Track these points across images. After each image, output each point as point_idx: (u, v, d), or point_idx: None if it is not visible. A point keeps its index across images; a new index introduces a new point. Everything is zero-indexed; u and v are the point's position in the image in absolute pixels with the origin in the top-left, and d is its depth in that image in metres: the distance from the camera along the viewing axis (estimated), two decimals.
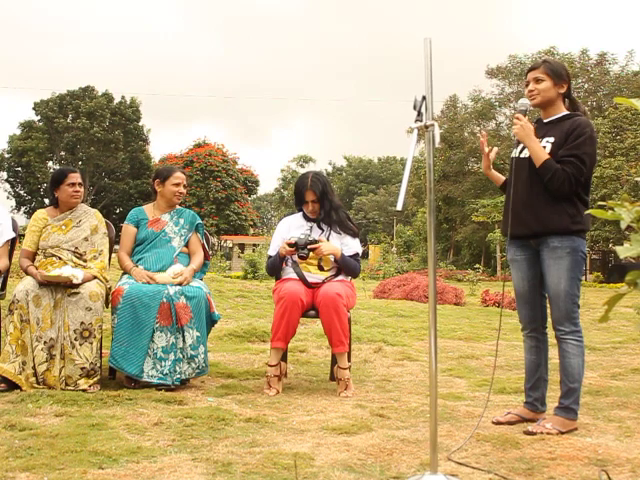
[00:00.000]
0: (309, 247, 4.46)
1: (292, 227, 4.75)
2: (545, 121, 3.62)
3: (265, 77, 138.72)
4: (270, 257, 4.73)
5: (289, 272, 4.61)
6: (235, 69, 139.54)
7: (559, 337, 3.50)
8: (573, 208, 3.44)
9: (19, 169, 48.45)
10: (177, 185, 4.77)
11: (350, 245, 4.66)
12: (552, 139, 3.51)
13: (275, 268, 4.69)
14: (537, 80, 3.55)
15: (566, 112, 3.55)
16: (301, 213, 4.79)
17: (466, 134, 36.89)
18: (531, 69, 3.62)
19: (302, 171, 38.82)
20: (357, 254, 4.69)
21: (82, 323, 4.21)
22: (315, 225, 4.70)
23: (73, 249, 4.55)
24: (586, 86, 32.82)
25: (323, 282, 4.49)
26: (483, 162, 3.86)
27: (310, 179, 4.67)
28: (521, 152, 3.61)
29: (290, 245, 4.47)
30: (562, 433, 3.33)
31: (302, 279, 4.50)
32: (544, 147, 3.50)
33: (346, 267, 4.62)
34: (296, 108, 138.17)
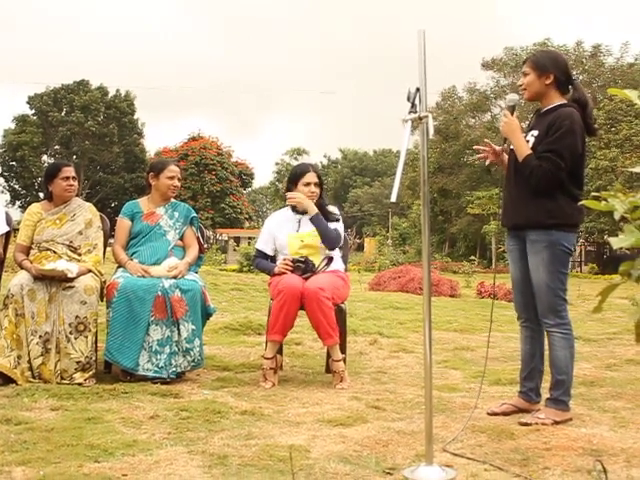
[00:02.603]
0: (309, 274, 4.46)
1: (281, 221, 4.75)
2: (540, 112, 3.63)
3: (260, 69, 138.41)
4: (259, 252, 4.76)
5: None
6: (229, 62, 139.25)
7: (546, 329, 3.54)
8: (553, 203, 3.44)
9: (13, 163, 48.36)
10: (171, 178, 4.76)
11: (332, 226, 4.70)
12: (536, 132, 3.54)
13: (265, 273, 4.82)
14: (524, 74, 3.58)
15: (558, 103, 3.53)
16: (289, 207, 4.79)
17: (461, 126, 36.88)
18: (523, 62, 3.66)
19: (296, 164, 38.77)
20: (335, 229, 4.69)
21: (77, 317, 4.21)
22: (304, 217, 4.70)
23: (67, 243, 4.55)
24: (581, 78, 32.79)
25: (315, 273, 4.47)
26: (494, 160, 3.83)
27: (310, 164, 4.89)
28: None
29: (295, 265, 4.48)
30: (557, 423, 3.34)
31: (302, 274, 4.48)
32: (528, 141, 3.52)
33: (322, 226, 4.61)
34: (290, 101, 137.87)
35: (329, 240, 4.63)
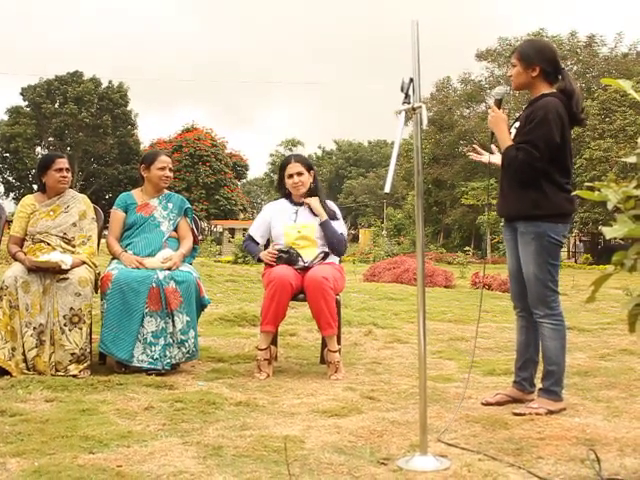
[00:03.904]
0: (297, 266, 4.45)
1: (278, 211, 4.75)
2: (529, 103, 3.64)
3: (253, 61, 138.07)
4: (249, 237, 4.77)
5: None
6: (224, 54, 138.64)
7: (536, 320, 3.55)
8: (538, 193, 3.44)
9: (7, 155, 48.16)
10: (162, 169, 4.75)
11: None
12: (518, 124, 3.57)
13: (250, 255, 4.87)
14: (513, 65, 3.60)
15: (542, 93, 3.52)
16: (285, 198, 4.79)
17: (456, 117, 36.87)
18: (511, 53, 3.67)
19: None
20: (341, 234, 4.68)
21: (71, 309, 4.20)
22: (301, 209, 4.70)
23: (61, 235, 4.53)
24: (575, 68, 32.83)
25: (311, 265, 4.46)
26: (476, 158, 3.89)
27: (293, 155, 4.91)
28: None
29: (277, 256, 4.46)
30: (551, 413, 3.35)
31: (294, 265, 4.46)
32: (511, 133, 3.55)
33: (330, 234, 4.60)
34: (285, 92, 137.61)
35: (337, 247, 4.63)
